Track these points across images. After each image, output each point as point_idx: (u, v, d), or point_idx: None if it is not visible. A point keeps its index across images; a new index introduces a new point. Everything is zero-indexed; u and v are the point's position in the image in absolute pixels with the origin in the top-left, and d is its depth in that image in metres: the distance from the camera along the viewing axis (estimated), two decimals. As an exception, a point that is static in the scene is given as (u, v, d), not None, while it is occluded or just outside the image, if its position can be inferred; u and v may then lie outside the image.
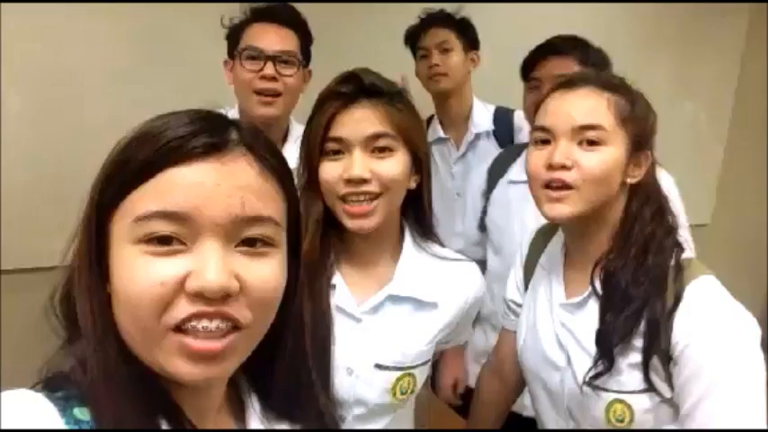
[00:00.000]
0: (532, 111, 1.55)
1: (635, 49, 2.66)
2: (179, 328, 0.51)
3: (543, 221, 1.53)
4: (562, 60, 1.53)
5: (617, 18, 2.71)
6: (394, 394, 1.01)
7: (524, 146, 1.71)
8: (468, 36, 1.92)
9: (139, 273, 0.51)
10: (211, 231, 0.52)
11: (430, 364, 1.08)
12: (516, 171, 1.66)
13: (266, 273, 0.55)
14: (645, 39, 2.81)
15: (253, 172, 0.55)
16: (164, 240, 0.51)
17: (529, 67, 1.62)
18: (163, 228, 0.51)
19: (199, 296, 0.51)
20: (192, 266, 0.51)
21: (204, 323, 0.51)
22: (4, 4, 1.73)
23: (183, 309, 0.51)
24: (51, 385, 0.53)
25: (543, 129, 1.04)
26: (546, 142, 1.04)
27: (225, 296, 0.51)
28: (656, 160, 1.05)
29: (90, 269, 0.54)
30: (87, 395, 0.52)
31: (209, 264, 0.51)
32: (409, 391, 1.03)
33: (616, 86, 1.03)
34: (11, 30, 1.75)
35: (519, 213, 1.61)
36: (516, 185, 1.63)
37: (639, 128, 1.02)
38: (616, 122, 1.00)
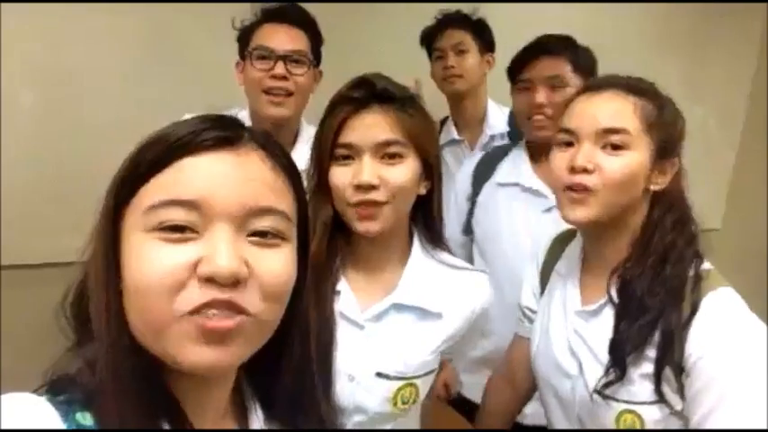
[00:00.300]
0: (525, 113, 1.53)
1: (643, 50, 2.61)
2: (190, 315, 0.51)
3: (533, 223, 1.50)
4: (553, 60, 1.49)
5: (625, 18, 2.66)
6: (395, 404, 1.00)
7: (509, 147, 1.68)
8: (485, 38, 1.91)
9: (151, 258, 0.51)
10: (223, 219, 0.52)
11: (434, 374, 1.06)
12: (504, 173, 1.63)
13: (277, 264, 0.55)
14: (653, 40, 2.76)
15: (265, 166, 0.56)
16: (176, 229, 0.52)
17: (518, 68, 1.55)
18: (175, 216, 0.51)
19: (210, 281, 0.50)
20: (203, 252, 0.51)
21: (213, 312, 0.51)
22: (4, 5, 1.74)
23: (194, 297, 0.50)
24: (55, 388, 0.53)
25: (567, 131, 1.03)
26: (570, 144, 1.02)
27: (235, 282, 0.51)
28: (682, 167, 1.03)
29: (106, 267, 0.54)
30: (93, 397, 0.52)
31: (220, 248, 0.51)
32: (411, 401, 1.01)
33: (644, 91, 1.01)
34: (11, 30, 1.76)
35: (508, 216, 1.58)
36: (505, 188, 1.60)
37: (666, 134, 1.00)
38: (641, 127, 0.98)
